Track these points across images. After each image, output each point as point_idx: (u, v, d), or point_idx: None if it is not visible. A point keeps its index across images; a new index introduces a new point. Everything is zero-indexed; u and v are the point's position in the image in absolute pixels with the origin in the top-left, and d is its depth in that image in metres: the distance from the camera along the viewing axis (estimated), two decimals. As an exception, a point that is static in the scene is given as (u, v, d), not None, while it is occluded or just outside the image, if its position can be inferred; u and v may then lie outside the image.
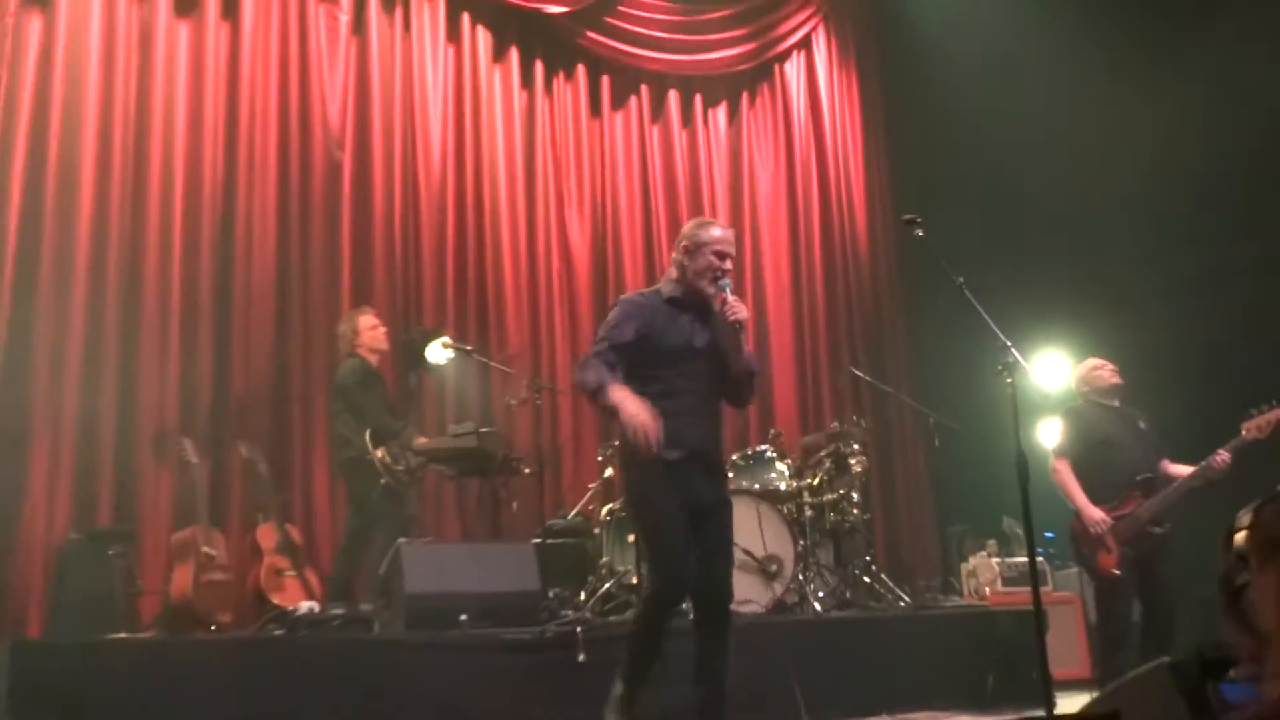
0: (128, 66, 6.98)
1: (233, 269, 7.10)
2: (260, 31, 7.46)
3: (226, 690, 4.55)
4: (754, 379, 4.30)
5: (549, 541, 6.37)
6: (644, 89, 9.26)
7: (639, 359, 4.10)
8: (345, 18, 7.84)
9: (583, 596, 6.27)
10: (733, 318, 4.07)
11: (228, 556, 6.23)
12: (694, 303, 4.19)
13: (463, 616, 5.11)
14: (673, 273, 4.27)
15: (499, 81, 8.53)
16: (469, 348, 7.08)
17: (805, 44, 10.02)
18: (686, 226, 4.35)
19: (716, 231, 4.24)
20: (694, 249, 4.19)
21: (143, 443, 6.57)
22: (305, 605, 5.72)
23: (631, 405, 3.87)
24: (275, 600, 6.04)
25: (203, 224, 7.05)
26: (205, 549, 6.03)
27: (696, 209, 9.22)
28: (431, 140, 8.04)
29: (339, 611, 5.43)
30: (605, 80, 9.07)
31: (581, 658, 4.97)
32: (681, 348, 4.12)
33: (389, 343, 6.73)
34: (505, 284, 8.15)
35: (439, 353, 6.77)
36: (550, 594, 5.78)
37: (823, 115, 9.91)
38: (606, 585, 6.23)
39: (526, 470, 6.63)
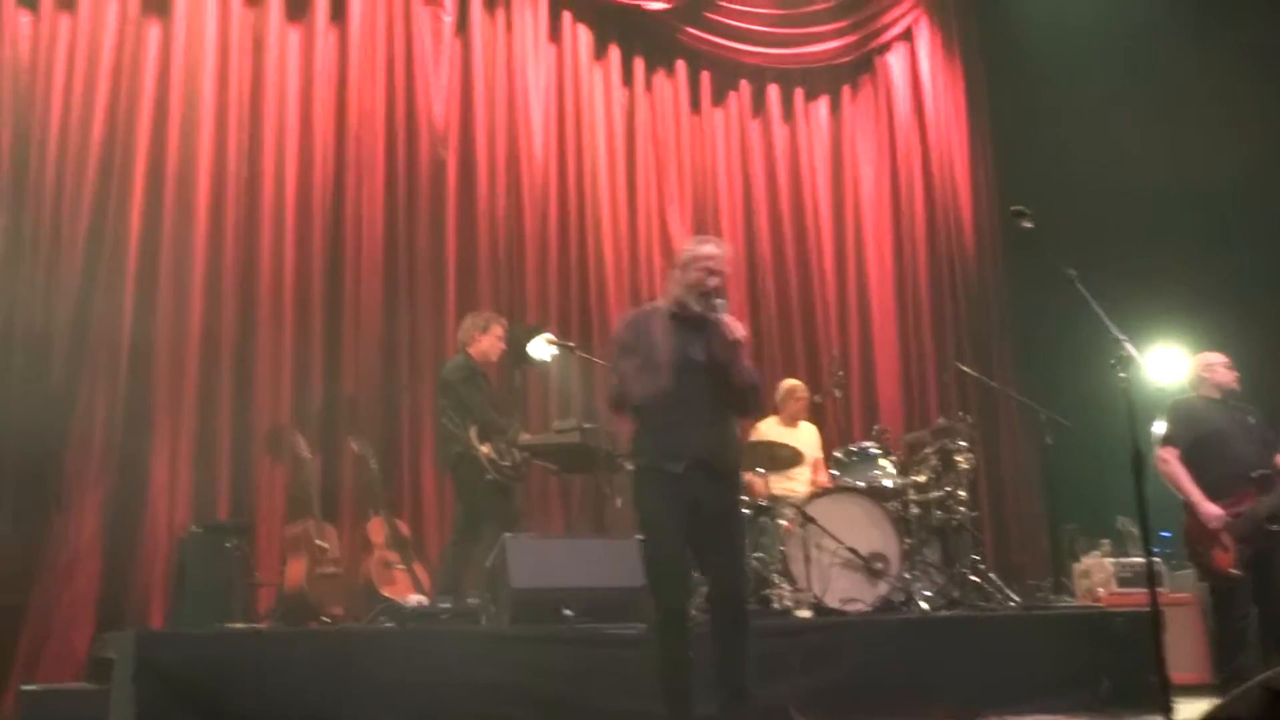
0: (241, 71, 7.19)
1: (343, 268, 7.26)
2: (367, 34, 7.62)
3: (339, 681, 4.65)
4: (757, 391, 4.37)
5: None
6: (744, 84, 9.22)
7: (642, 375, 4.17)
8: (449, 19, 7.95)
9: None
10: (731, 339, 4.13)
11: (340, 550, 6.37)
12: (691, 316, 4.24)
13: (567, 611, 5.16)
14: (671, 288, 4.36)
15: (599, 79, 8.57)
16: (572, 344, 7.13)
17: (907, 35, 9.86)
18: (688, 242, 4.49)
19: (708, 249, 4.31)
20: (686, 263, 4.29)
21: (258, 439, 6.77)
22: (414, 598, 5.84)
23: None
24: (385, 593, 6.16)
25: (314, 224, 7.23)
26: (318, 542, 6.17)
27: (797, 203, 9.16)
28: (534, 138, 8.12)
29: (447, 605, 5.52)
30: (705, 76, 9.06)
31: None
32: (680, 360, 4.17)
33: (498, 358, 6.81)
34: (607, 281, 8.18)
35: (542, 349, 6.82)
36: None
37: (926, 106, 9.75)
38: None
39: (629, 466, 6.64)
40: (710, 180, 8.88)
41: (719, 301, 4.19)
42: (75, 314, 6.44)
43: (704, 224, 8.72)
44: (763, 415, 6.98)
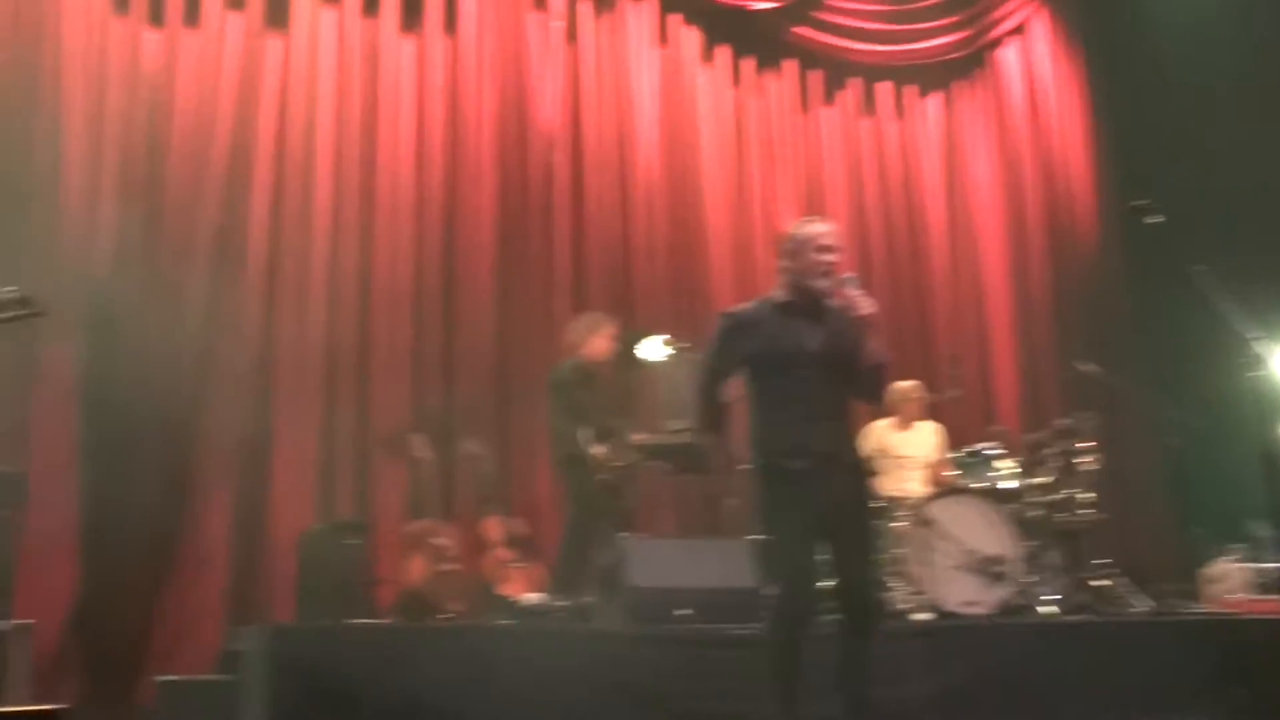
0: (357, 82, 7.37)
1: (456, 273, 7.39)
2: (479, 42, 7.74)
3: (459, 676, 4.72)
4: (883, 371, 4.17)
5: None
6: (854, 82, 9.14)
7: (753, 370, 4.08)
8: (559, 25, 8.04)
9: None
10: (861, 314, 3.98)
11: (457, 548, 6.48)
12: (805, 305, 4.10)
13: (683, 611, 5.16)
14: (780, 278, 4.20)
15: (708, 81, 8.57)
16: (686, 345, 7.13)
17: (1021, 29, 9.67)
18: (792, 227, 4.30)
19: (813, 228, 4.15)
20: (795, 250, 4.12)
21: (377, 440, 6.92)
22: (531, 597, 5.90)
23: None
24: (502, 591, 6.25)
25: (428, 230, 7.37)
26: (436, 541, 6.28)
27: (909, 202, 9.05)
28: (643, 142, 8.15)
29: (563, 603, 5.56)
30: (814, 75, 9.00)
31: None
32: (794, 353, 4.03)
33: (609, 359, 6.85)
34: (718, 283, 8.17)
35: (654, 350, 6.84)
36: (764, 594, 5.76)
37: (1042, 102, 9.55)
38: (831, 582, 6.16)
39: (740, 467, 6.61)
40: (820, 180, 8.82)
41: (848, 277, 4.04)
42: (202, 322, 6.66)
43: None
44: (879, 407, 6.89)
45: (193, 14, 7.01)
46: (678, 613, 5.17)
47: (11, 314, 3.01)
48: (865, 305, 3.98)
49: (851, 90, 9.11)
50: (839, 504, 3.99)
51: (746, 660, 4.92)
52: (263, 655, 4.56)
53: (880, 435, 6.87)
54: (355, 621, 5.44)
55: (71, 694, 5.68)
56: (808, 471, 3.95)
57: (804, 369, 4.02)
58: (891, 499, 6.35)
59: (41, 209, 6.35)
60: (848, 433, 4.19)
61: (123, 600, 6.13)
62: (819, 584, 4.06)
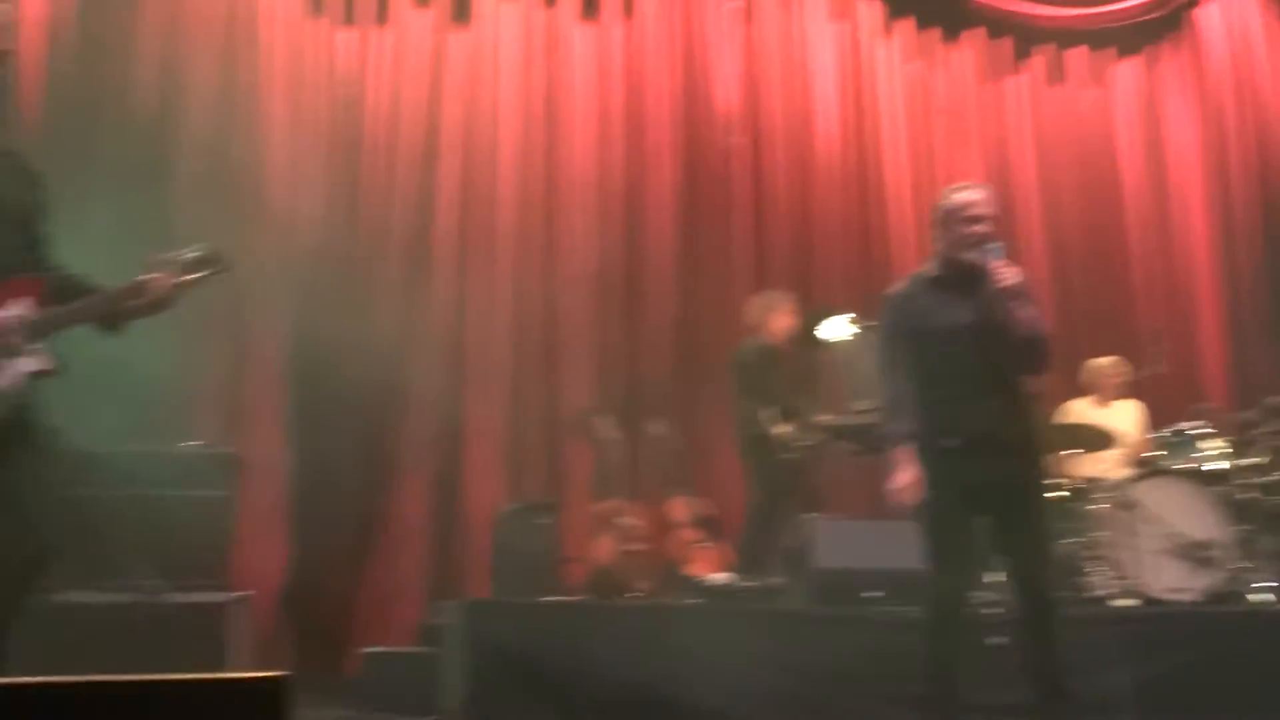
0: (538, 72, 7.52)
1: (640, 254, 7.48)
2: (656, 27, 7.79)
3: (648, 653, 4.81)
4: (1040, 344, 3.96)
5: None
6: (1043, 49, 8.79)
7: (910, 348, 3.98)
8: (737, 5, 8.01)
9: (988, 578, 6.07)
10: (1002, 285, 3.80)
11: (644, 528, 6.56)
12: (957, 278, 3.94)
13: (872, 593, 5.11)
14: (935, 250, 4.06)
15: (888, 54, 8.40)
16: (870, 324, 7.04)
17: (1223, -14, 9.12)
18: (940, 196, 4.11)
19: (963, 196, 3.98)
20: (944, 221, 3.97)
21: (565, 421, 7.08)
22: (718, 576, 5.94)
23: (899, 475, 3.93)
24: (689, 571, 6.30)
25: (610, 214, 7.47)
26: (623, 520, 6.38)
27: (1101, 172, 8.65)
28: (823, 119, 8.06)
29: (749, 584, 5.58)
30: (1000, 43, 8.69)
31: (994, 640, 4.83)
32: (946, 328, 3.90)
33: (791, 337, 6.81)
34: (902, 259, 8.00)
35: (838, 329, 6.78)
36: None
37: (1248, 63, 8.98)
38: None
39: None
40: (1008, 152, 8.53)
41: (991, 247, 3.88)
42: (397, 313, 6.93)
43: (1002, 197, 8.37)
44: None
45: (382, 13, 7.28)
46: (866, 594, 5.11)
47: (201, 273, 3.16)
48: (1009, 275, 3.83)
49: (1041, 58, 8.77)
50: (997, 485, 3.86)
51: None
52: (460, 629, 4.74)
53: (1079, 414, 6.62)
54: (547, 599, 5.57)
55: (284, 664, 6.02)
56: (959, 451, 3.84)
57: (957, 344, 3.90)
58: (1091, 480, 6.13)
59: (248, 202, 6.72)
60: (1011, 410, 3.99)
61: (329, 575, 6.46)
62: (976, 569, 3.95)
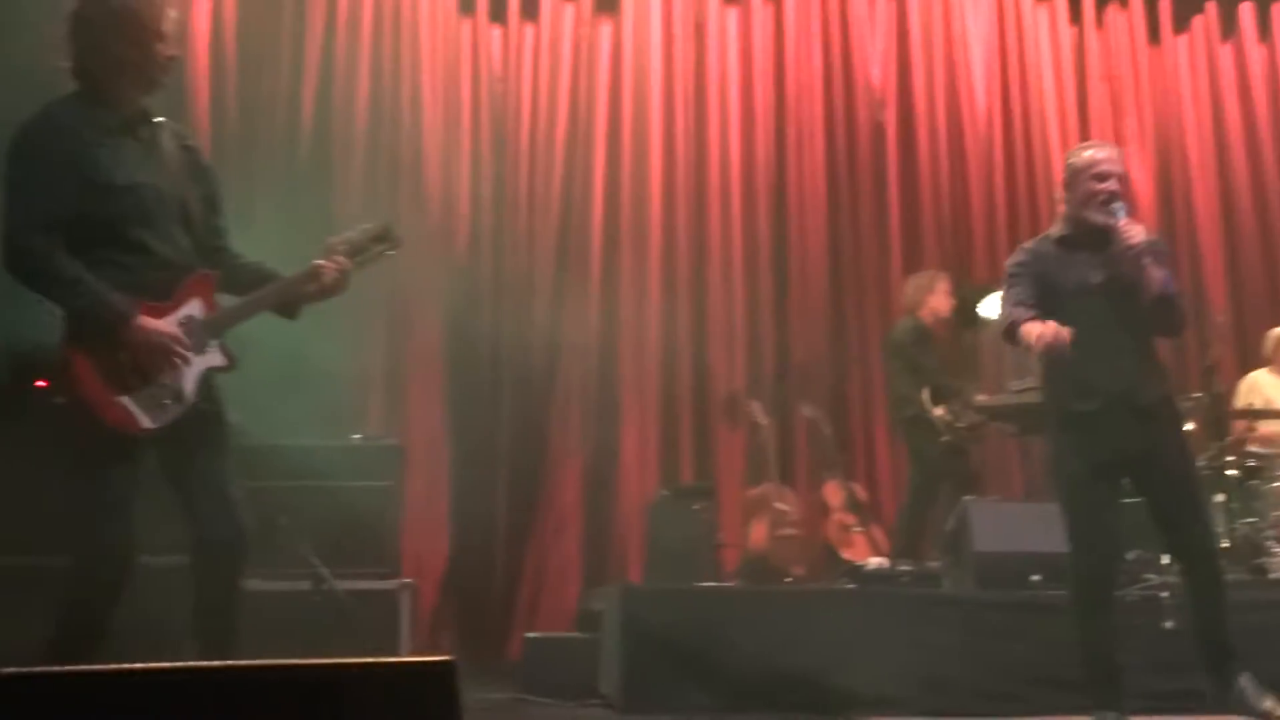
0: (685, 57, 7.52)
1: (788, 238, 7.43)
2: (802, 6, 7.70)
3: (801, 639, 4.78)
4: (1173, 304, 3.81)
5: (1124, 501, 6.00)
6: (1210, 6, 8.35)
7: (1039, 311, 3.81)
8: (883, -21, 7.87)
9: (1165, 560, 5.85)
10: (1127, 244, 3.66)
11: (798, 513, 6.54)
12: (1086, 238, 3.83)
13: (1035, 577, 4.99)
14: (1060, 211, 3.96)
15: (1044, 20, 8.10)
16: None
17: None
18: (1066, 155, 4.01)
19: (1089, 154, 3.86)
20: (1071, 180, 3.87)
21: (716, 406, 7.10)
22: (874, 561, 5.88)
23: (1033, 327, 3.67)
24: (845, 555, 6.27)
25: (758, 198, 7.44)
26: (778, 505, 6.37)
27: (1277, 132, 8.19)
28: (975, 91, 7.84)
29: (907, 568, 5.51)
30: (1164, 2, 8.30)
31: (1169, 624, 4.67)
32: (1076, 288, 3.79)
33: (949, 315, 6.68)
34: (1061, 233, 7.76)
35: (994, 308, 6.61)
36: (1129, 556, 5.45)
37: None
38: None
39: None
40: (1174, 117, 8.13)
41: (1116, 206, 3.77)
42: (550, 302, 7.05)
43: (1169, 164, 8.03)
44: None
45: (531, 9, 7.40)
46: (1033, 578, 4.99)
47: (375, 249, 3.28)
48: (1135, 234, 3.70)
49: (1208, 15, 8.33)
50: (1138, 449, 3.75)
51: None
52: (616, 615, 4.81)
53: (1259, 385, 6.31)
54: (702, 584, 5.61)
55: (447, 649, 6.21)
56: (1096, 414, 3.73)
57: (1088, 303, 3.79)
58: (1266, 456, 5.83)
59: (407, 199, 6.93)
60: (1148, 371, 3.86)
61: (490, 562, 6.64)
62: (1120, 544, 3.81)
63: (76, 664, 1.50)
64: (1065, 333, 3.62)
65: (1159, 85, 8.17)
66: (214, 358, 3.11)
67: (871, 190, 7.60)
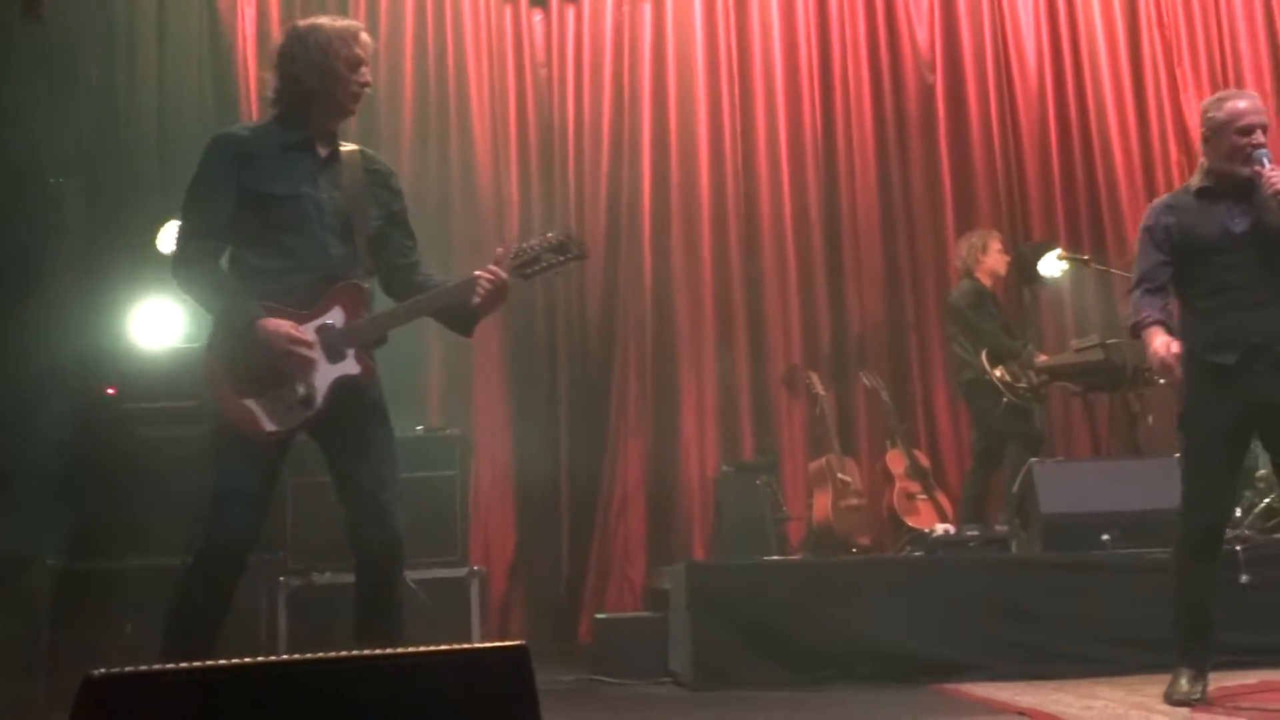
0: (728, 30, 7.46)
1: (839, 206, 7.37)
2: (846, -28, 7.62)
3: (871, 609, 4.79)
4: None
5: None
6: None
7: (1178, 261, 3.79)
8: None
9: (1238, 513, 5.77)
10: (1273, 190, 3.59)
11: (861, 482, 6.52)
12: (1228, 189, 3.76)
13: (1105, 536, 4.95)
14: (1202, 162, 3.87)
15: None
16: (1085, 257, 6.76)
17: None
18: (1203, 106, 3.90)
19: (1235, 104, 3.76)
20: (1213, 134, 3.78)
21: (774, 379, 7.09)
22: (940, 527, 5.86)
23: (1155, 343, 3.71)
24: (910, 523, 6.24)
25: (807, 167, 7.38)
26: (840, 476, 6.36)
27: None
28: (1025, 43, 7.70)
29: (974, 533, 5.48)
30: (1216, -57, 8.08)
31: (1245, 579, 4.61)
32: (1217, 239, 3.73)
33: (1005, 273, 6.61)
34: (1118, 185, 7.60)
35: (1052, 265, 6.56)
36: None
37: None
38: (1266, 500, 5.68)
39: (1160, 381, 6.19)
40: (1232, 60, 7.89)
41: (1259, 152, 3.69)
42: (604, 285, 7.07)
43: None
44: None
45: (572, -11, 7.39)
46: (1104, 538, 4.94)
47: (553, 260, 3.24)
48: (1277, 181, 3.63)
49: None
50: (1274, 401, 3.69)
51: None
52: (683, 593, 4.84)
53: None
54: (768, 558, 5.62)
55: (517, 633, 6.28)
56: (1236, 367, 3.68)
57: (1230, 253, 3.75)
58: None
59: (456, 191, 6.98)
60: None
61: (556, 545, 6.70)
62: (1235, 501, 3.77)
63: (186, 659, 1.53)
64: (1174, 358, 3.67)
65: (1213, 26, 7.94)
66: (349, 366, 3.15)
67: (922, 153, 7.51)
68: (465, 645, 1.59)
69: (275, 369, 3.07)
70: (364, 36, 3.29)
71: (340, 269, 3.20)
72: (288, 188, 3.17)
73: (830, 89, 7.51)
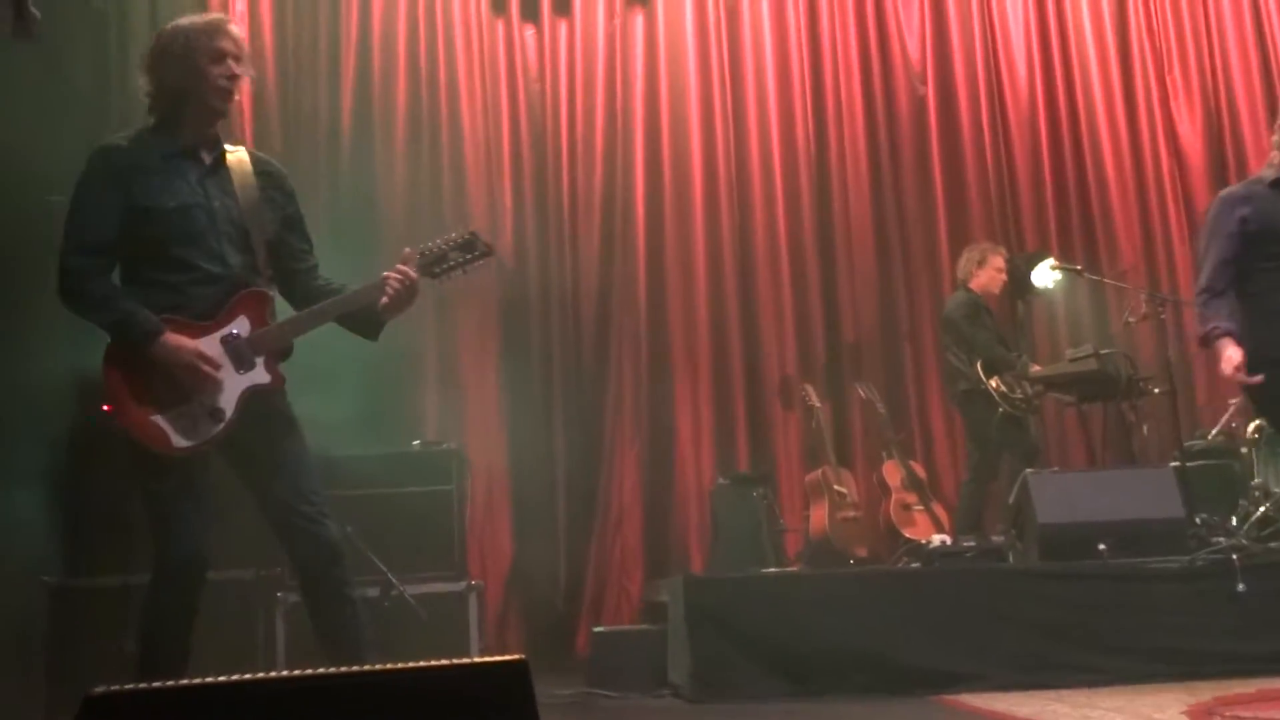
0: (719, 41, 7.49)
1: (832, 216, 7.40)
2: (835, -17, 7.66)
3: (868, 620, 4.77)
4: None
5: (1189, 464, 5.94)
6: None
7: (1249, 253, 3.79)
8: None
9: (1234, 522, 5.78)
10: None
11: (858, 494, 6.53)
12: None
13: (1101, 546, 4.95)
14: (1274, 156, 3.88)
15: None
16: (1078, 267, 6.78)
17: None
18: None
19: None
20: None
21: (769, 391, 7.10)
22: (937, 538, 5.86)
23: (1225, 355, 3.75)
24: (907, 534, 6.25)
25: (800, 178, 7.41)
26: (836, 488, 6.36)
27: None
28: (1015, 53, 7.74)
29: (971, 544, 5.48)
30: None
31: (1241, 588, 4.62)
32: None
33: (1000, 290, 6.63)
34: (1110, 194, 7.64)
35: (1045, 276, 6.57)
36: (1197, 520, 5.40)
37: None
38: (1262, 509, 5.69)
39: (1155, 390, 6.22)
40: (1221, 67, 7.92)
41: None
42: (599, 298, 7.08)
43: (1216, 117, 7.86)
44: None
45: (563, 4, 7.40)
46: (1099, 548, 4.94)
47: (461, 259, 3.20)
48: None
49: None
50: None
51: (1171, 594, 4.68)
52: (683, 605, 4.83)
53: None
54: (766, 570, 5.61)
55: (515, 647, 6.27)
56: None
57: None
58: None
59: (449, 205, 6.98)
60: None
61: (553, 558, 6.68)
62: None
63: (161, 678, 1.53)
64: (1241, 371, 3.72)
65: (1204, 35, 7.97)
66: (259, 375, 3.08)
67: (915, 164, 7.54)
68: (465, 660, 1.59)
69: (180, 385, 2.99)
70: (231, 28, 3.20)
71: (241, 277, 3.13)
72: (175, 199, 3.09)
73: (822, 101, 7.54)
